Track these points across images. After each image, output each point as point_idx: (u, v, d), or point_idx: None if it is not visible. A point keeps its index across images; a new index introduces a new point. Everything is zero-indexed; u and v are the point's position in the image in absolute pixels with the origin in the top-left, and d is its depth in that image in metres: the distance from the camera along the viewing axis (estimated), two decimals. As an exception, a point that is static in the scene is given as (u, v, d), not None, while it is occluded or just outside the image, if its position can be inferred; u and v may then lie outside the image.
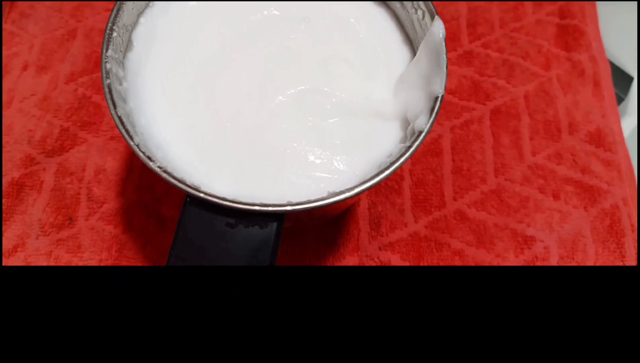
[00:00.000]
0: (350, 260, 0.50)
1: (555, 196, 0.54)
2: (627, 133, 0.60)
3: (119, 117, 0.33)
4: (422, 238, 0.52)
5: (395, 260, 0.50)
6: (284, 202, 0.32)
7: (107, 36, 0.36)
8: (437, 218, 0.53)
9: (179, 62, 0.39)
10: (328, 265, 0.50)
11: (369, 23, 0.43)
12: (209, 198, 0.31)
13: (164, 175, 0.32)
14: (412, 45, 0.42)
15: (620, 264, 0.51)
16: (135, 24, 0.40)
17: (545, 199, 0.54)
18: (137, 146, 0.32)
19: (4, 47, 0.60)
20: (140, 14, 0.40)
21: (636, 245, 0.52)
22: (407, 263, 0.50)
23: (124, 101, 0.36)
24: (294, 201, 0.32)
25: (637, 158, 0.58)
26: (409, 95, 0.38)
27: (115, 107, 0.33)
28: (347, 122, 0.39)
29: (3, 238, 0.50)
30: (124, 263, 0.49)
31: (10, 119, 0.56)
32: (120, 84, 0.36)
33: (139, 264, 0.49)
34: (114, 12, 0.37)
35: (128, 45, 0.39)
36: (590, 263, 0.51)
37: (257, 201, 0.31)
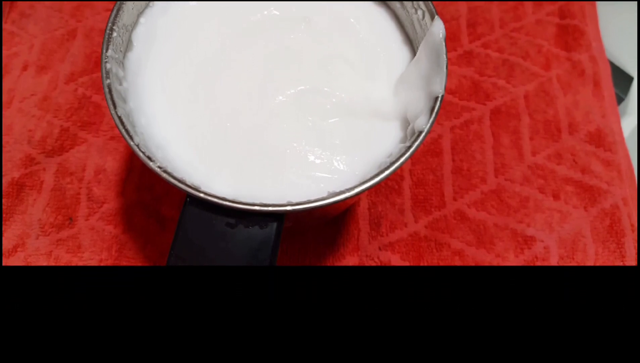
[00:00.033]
0: (350, 260, 0.50)
1: (555, 196, 0.54)
2: (627, 133, 0.60)
3: (119, 117, 0.33)
4: (422, 238, 0.52)
5: (395, 260, 0.50)
6: (284, 202, 0.32)
7: (107, 36, 0.36)
8: (437, 218, 0.53)
9: (179, 62, 0.39)
10: (328, 265, 0.50)
11: (369, 23, 0.43)
12: (209, 198, 0.31)
13: (164, 175, 0.32)
14: (412, 45, 0.42)
15: (620, 264, 0.51)
16: (135, 24, 0.40)
17: (545, 199, 0.54)
18: (137, 146, 0.32)
19: (4, 47, 0.60)
20: (140, 14, 0.40)
21: (636, 245, 0.52)
22: (407, 263, 0.50)
23: (124, 101, 0.36)
24: (294, 201, 0.32)
25: (637, 158, 0.58)
26: (409, 95, 0.38)
27: (115, 107, 0.33)
28: (347, 122, 0.39)
29: (3, 238, 0.50)
30: (124, 263, 0.49)
31: (10, 119, 0.56)
32: (120, 84, 0.36)
33: (139, 264, 0.49)
34: (114, 12, 0.37)
35: (128, 45, 0.39)
36: (590, 263, 0.51)
37: (257, 201, 0.31)
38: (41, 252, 0.49)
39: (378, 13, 0.43)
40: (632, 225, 0.53)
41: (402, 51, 0.42)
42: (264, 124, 0.38)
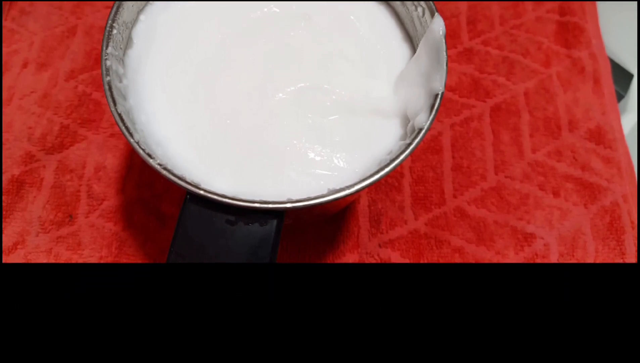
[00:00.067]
0: (350, 257, 0.50)
1: (555, 194, 0.54)
2: (627, 130, 0.60)
3: (119, 115, 0.33)
4: (422, 235, 0.52)
5: (395, 257, 0.50)
6: (284, 199, 0.32)
7: (107, 33, 0.36)
8: (437, 216, 0.53)
9: (179, 60, 0.39)
10: (328, 262, 0.50)
11: (369, 20, 0.43)
12: (209, 195, 0.31)
13: (164, 172, 0.32)
14: (412, 42, 0.42)
15: (620, 261, 0.51)
16: (135, 21, 0.40)
17: (545, 197, 0.54)
18: (137, 143, 0.32)
19: (4, 45, 0.60)
20: (140, 11, 0.40)
21: (636, 242, 0.52)
22: (407, 261, 0.50)
23: (124, 98, 0.36)
24: (294, 198, 0.32)
25: (637, 155, 0.58)
26: (409, 92, 0.38)
27: (115, 104, 0.33)
28: (347, 120, 0.39)
29: (3, 235, 0.50)
30: (124, 260, 0.49)
31: (10, 116, 0.56)
32: (120, 81, 0.36)
33: (139, 261, 0.49)
34: (114, 9, 0.37)
35: (128, 42, 0.39)
36: (590, 260, 0.51)
37: (257, 198, 0.31)
38: (41, 249, 0.49)
39: (378, 10, 0.43)
40: (632, 222, 0.53)
41: (402, 48, 0.42)
42: (264, 122, 0.38)
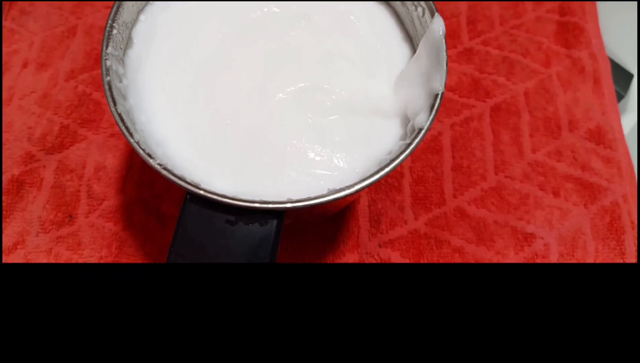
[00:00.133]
0: (350, 257, 0.50)
1: (555, 194, 0.54)
2: (627, 130, 0.60)
3: (119, 115, 0.33)
4: (422, 235, 0.52)
5: (395, 257, 0.51)
6: (284, 199, 0.32)
7: (107, 33, 0.36)
8: (437, 216, 0.53)
9: (179, 60, 0.39)
10: (328, 262, 0.50)
11: (369, 20, 0.43)
12: (209, 195, 0.31)
13: (164, 172, 0.32)
14: (412, 42, 0.42)
15: (620, 261, 0.51)
16: (135, 21, 0.40)
17: (545, 197, 0.54)
18: (137, 143, 0.32)
19: (4, 45, 0.60)
20: (140, 11, 0.40)
21: (636, 242, 0.52)
22: (407, 261, 0.50)
23: (124, 98, 0.36)
24: (294, 198, 0.32)
25: (637, 155, 0.58)
26: (409, 92, 0.38)
27: (115, 104, 0.33)
28: (347, 120, 0.39)
29: (3, 236, 0.50)
30: (124, 260, 0.49)
31: (10, 116, 0.56)
32: (120, 81, 0.36)
33: (139, 261, 0.49)
34: (114, 9, 0.37)
35: (128, 42, 0.39)
36: (590, 260, 0.51)
37: (257, 198, 0.31)
38: (41, 249, 0.49)
39: (378, 10, 0.43)
40: (632, 222, 0.53)
41: (402, 48, 0.42)
42: (264, 122, 0.38)
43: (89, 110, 0.57)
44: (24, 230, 0.50)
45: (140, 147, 0.32)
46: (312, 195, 0.32)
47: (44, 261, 0.49)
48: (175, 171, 0.32)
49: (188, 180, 0.31)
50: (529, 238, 0.52)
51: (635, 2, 0.65)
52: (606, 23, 0.66)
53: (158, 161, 0.32)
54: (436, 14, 0.37)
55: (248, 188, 0.35)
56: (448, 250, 0.51)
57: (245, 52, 0.40)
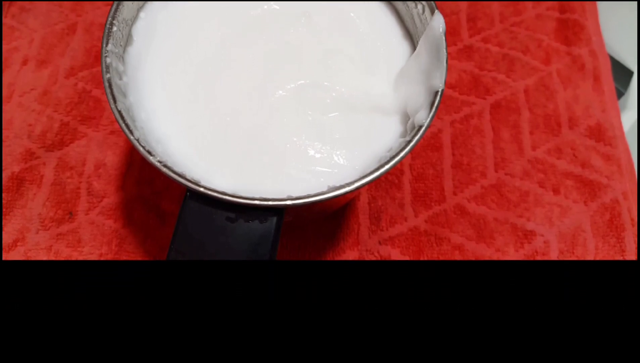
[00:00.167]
0: (350, 254, 0.50)
1: (555, 191, 0.54)
2: (627, 128, 0.60)
3: (119, 112, 0.33)
4: (422, 232, 0.52)
5: (395, 255, 0.51)
6: (284, 196, 0.32)
7: (107, 30, 0.36)
8: (437, 213, 0.53)
9: (180, 57, 0.39)
10: (328, 259, 0.50)
11: (369, 17, 0.43)
12: (209, 192, 0.31)
13: (164, 169, 0.32)
14: (412, 39, 0.42)
15: (620, 258, 0.52)
16: (135, 18, 0.40)
17: (545, 194, 0.54)
18: (137, 140, 0.32)
19: (4, 42, 0.60)
20: (140, 8, 0.40)
21: (636, 239, 0.52)
22: (407, 258, 0.50)
23: (124, 95, 0.36)
24: (294, 195, 0.32)
25: (637, 152, 0.58)
26: (409, 89, 0.38)
27: (115, 101, 0.33)
28: (347, 117, 0.39)
29: (3, 233, 0.50)
30: (124, 257, 0.49)
31: (10, 113, 0.56)
32: (120, 78, 0.36)
33: (139, 258, 0.49)
34: (114, 6, 0.37)
35: (128, 39, 0.39)
36: (590, 257, 0.51)
37: (257, 196, 0.31)
38: (41, 246, 0.49)
39: (378, 7, 0.43)
40: (632, 219, 0.53)
41: (402, 45, 0.42)
42: (264, 120, 0.38)
43: (89, 107, 0.57)
44: (24, 227, 0.50)
45: (140, 144, 0.32)
46: (312, 192, 0.32)
47: (44, 258, 0.49)
48: (175, 169, 0.32)
49: (188, 177, 0.31)
50: (529, 235, 0.52)
51: (635, 3, 0.65)
52: (606, 20, 0.66)
53: (158, 159, 0.32)
54: (436, 11, 0.37)
55: (248, 185, 0.35)
56: (448, 247, 0.51)
57: (245, 51, 0.40)
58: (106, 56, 0.35)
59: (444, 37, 0.36)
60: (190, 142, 0.37)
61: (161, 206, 0.52)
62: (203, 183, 0.32)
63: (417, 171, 0.55)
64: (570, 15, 0.65)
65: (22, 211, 0.51)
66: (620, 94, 0.62)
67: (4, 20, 0.62)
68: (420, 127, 0.34)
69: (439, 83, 0.35)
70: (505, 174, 0.55)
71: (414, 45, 0.41)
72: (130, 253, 0.50)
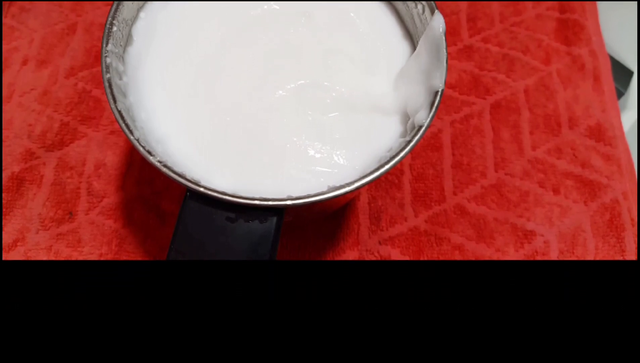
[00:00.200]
0: (350, 254, 0.50)
1: (555, 191, 0.54)
2: (627, 128, 0.60)
3: (119, 112, 0.33)
4: (422, 232, 0.52)
5: (395, 255, 0.51)
6: (284, 196, 0.32)
7: (107, 30, 0.36)
8: (437, 213, 0.53)
9: (180, 57, 0.39)
10: (328, 259, 0.50)
11: (369, 17, 0.43)
12: (209, 192, 0.31)
13: (164, 169, 0.32)
14: (412, 39, 0.42)
15: (620, 258, 0.52)
16: (135, 18, 0.40)
17: (545, 194, 0.54)
18: (137, 140, 0.32)
19: (4, 42, 0.60)
20: (140, 8, 0.40)
21: (636, 239, 0.52)
22: (407, 258, 0.50)
23: (124, 95, 0.36)
24: (294, 195, 0.32)
25: (637, 152, 0.58)
26: (409, 89, 0.38)
27: (115, 101, 0.33)
28: (347, 117, 0.39)
29: (3, 233, 0.50)
30: (124, 257, 0.49)
31: (10, 113, 0.56)
32: (120, 78, 0.36)
33: (139, 258, 0.49)
34: (114, 6, 0.37)
35: (128, 39, 0.39)
36: (590, 257, 0.51)
37: (257, 196, 0.31)
38: (41, 246, 0.49)
39: (378, 7, 0.43)
40: (632, 219, 0.53)
41: (402, 45, 0.42)
42: (264, 119, 0.38)
43: (89, 107, 0.57)
44: (24, 227, 0.50)
45: (140, 144, 0.32)
46: (312, 192, 0.32)
47: (44, 258, 0.49)
48: (175, 168, 0.32)
49: (188, 177, 0.31)
50: (529, 235, 0.52)
51: (635, 3, 0.65)
52: (606, 20, 0.66)
53: (158, 159, 0.32)
54: (436, 11, 0.37)
55: (248, 185, 0.35)
56: (448, 247, 0.51)
57: (245, 51, 0.40)
58: (106, 56, 0.35)
59: (444, 37, 0.36)
60: (190, 142, 0.37)
61: (161, 206, 0.52)
62: (203, 182, 0.32)
63: (417, 171, 0.55)
64: (570, 15, 0.65)
65: (22, 211, 0.51)
66: (620, 94, 0.62)
67: (4, 20, 0.62)
68: (420, 127, 0.34)
69: (439, 83, 0.35)
70: (505, 174, 0.55)
71: (414, 45, 0.41)
72: (130, 253, 0.50)
